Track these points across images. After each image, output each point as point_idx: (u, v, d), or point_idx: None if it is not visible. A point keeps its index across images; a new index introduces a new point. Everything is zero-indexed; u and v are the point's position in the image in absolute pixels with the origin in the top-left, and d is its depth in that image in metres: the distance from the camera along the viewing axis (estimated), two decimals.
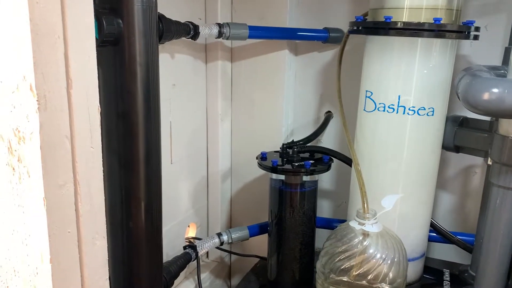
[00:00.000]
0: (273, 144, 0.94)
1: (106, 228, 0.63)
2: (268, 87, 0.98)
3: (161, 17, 0.65)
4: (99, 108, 0.45)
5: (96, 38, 0.55)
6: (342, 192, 1.01)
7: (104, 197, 0.46)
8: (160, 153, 0.65)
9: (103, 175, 0.62)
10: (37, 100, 0.37)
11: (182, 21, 0.74)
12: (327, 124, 0.98)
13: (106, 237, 0.47)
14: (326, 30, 0.92)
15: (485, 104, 0.58)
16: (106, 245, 0.48)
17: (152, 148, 0.63)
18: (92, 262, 0.46)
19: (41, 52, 0.37)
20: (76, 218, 0.43)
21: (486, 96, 0.57)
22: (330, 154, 0.86)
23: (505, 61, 0.75)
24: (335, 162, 0.89)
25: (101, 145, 0.47)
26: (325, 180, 1.03)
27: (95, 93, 0.44)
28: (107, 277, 0.50)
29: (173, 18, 0.71)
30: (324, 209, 1.06)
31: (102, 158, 0.62)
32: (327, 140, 1.01)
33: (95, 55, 0.44)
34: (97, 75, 0.44)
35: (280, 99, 0.98)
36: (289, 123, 1.03)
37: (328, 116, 0.99)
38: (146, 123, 0.61)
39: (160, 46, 0.78)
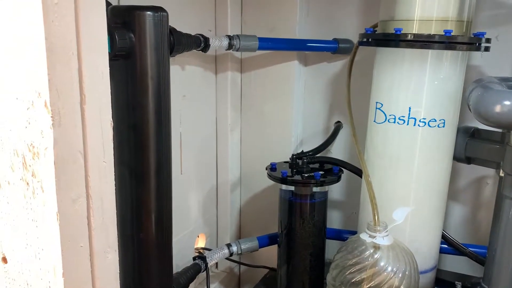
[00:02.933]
0: (283, 155, 0.94)
1: (118, 240, 0.64)
2: (277, 97, 0.99)
3: (172, 30, 0.66)
4: (112, 122, 0.45)
5: (108, 52, 0.56)
6: (351, 202, 1.01)
7: (115, 210, 0.47)
8: (171, 165, 0.65)
9: (115, 187, 0.63)
10: (51, 117, 0.37)
11: (192, 33, 0.75)
12: (336, 134, 0.98)
13: (117, 250, 0.48)
14: (336, 41, 0.93)
15: (497, 116, 0.57)
16: (118, 258, 0.48)
17: (163, 160, 0.63)
18: (104, 275, 0.46)
19: (56, 69, 0.37)
20: (89, 232, 0.43)
21: (498, 108, 0.57)
22: (340, 165, 0.86)
23: None
24: (345, 173, 0.89)
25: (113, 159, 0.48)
26: (334, 191, 1.03)
27: (108, 108, 0.44)
28: None
29: (183, 31, 0.72)
30: (333, 219, 1.05)
31: (114, 170, 0.63)
32: (337, 151, 1.01)
33: (108, 70, 0.44)
34: (110, 89, 0.45)
35: (290, 110, 0.98)
36: (299, 133, 1.03)
37: (338, 126, 0.99)
38: (157, 135, 0.62)
39: (171, 58, 0.79)
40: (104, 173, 0.44)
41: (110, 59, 0.57)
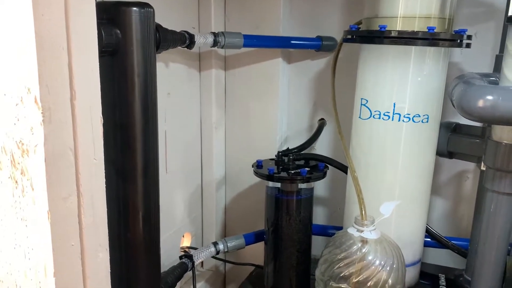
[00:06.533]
0: (268, 152, 0.95)
1: None
2: (262, 95, 0.99)
3: (158, 27, 0.65)
4: (102, 119, 0.44)
5: None
6: (336, 198, 1.02)
7: (106, 209, 0.46)
8: (158, 163, 0.64)
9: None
10: (41, 113, 0.37)
11: (176, 30, 0.74)
12: (320, 131, 0.99)
13: (108, 249, 0.47)
14: (319, 38, 0.93)
15: (479, 111, 0.59)
16: (108, 257, 0.47)
17: (150, 158, 0.63)
18: (95, 274, 0.45)
19: (46, 65, 0.36)
20: (80, 231, 0.43)
21: (480, 103, 0.58)
22: (325, 161, 0.87)
23: (497, 69, 0.77)
24: (330, 169, 0.90)
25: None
26: (319, 187, 1.04)
27: (98, 104, 0.44)
28: None
29: (168, 27, 0.71)
30: (318, 216, 1.06)
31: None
32: (321, 148, 1.02)
33: (98, 65, 0.43)
34: (99, 86, 0.44)
35: (274, 107, 0.99)
36: (283, 130, 1.03)
37: (322, 123, 1.00)
38: (144, 133, 0.61)
39: (156, 55, 0.78)
40: (95, 171, 0.44)
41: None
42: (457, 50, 0.87)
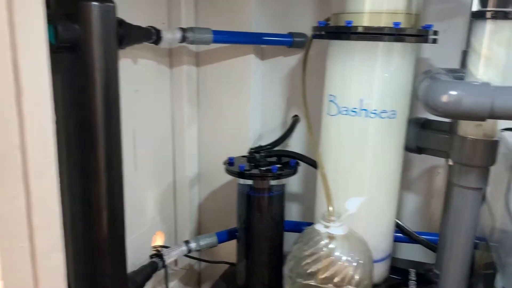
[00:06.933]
0: (241, 149, 0.94)
1: (68, 240, 0.61)
2: (235, 91, 0.98)
3: (121, 22, 0.64)
4: (53, 117, 0.43)
5: (53, 44, 0.54)
6: (310, 195, 1.01)
7: (60, 209, 0.45)
8: (122, 161, 0.63)
9: (64, 185, 0.60)
10: None
11: (145, 26, 0.73)
12: (293, 128, 0.99)
13: (62, 249, 0.46)
14: (291, 34, 0.93)
15: (444, 106, 0.59)
16: (63, 258, 0.46)
17: (113, 156, 0.61)
18: (48, 276, 0.44)
19: None
20: (30, 232, 0.41)
21: (445, 98, 0.59)
22: (297, 157, 0.87)
23: (463, 64, 0.77)
24: (303, 166, 0.89)
25: (57, 155, 0.45)
26: (293, 184, 1.04)
27: (49, 102, 0.42)
28: None
29: (136, 23, 0.70)
30: (293, 212, 1.06)
31: (62, 167, 0.60)
32: (295, 144, 1.02)
33: (48, 61, 0.42)
34: (51, 82, 0.43)
35: (247, 104, 0.98)
36: (257, 128, 1.02)
37: (295, 120, 1.00)
38: (107, 130, 0.60)
39: (122, 51, 0.77)
40: (45, 170, 0.42)
41: (54, 51, 0.55)
42: (427, 46, 0.88)
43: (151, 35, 0.73)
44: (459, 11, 0.86)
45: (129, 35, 0.66)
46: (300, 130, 1.00)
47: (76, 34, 0.55)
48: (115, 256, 0.65)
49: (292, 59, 0.98)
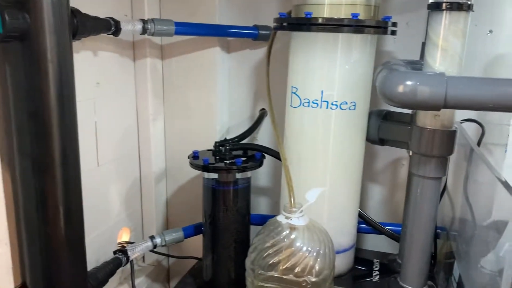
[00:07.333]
0: (209, 143, 0.93)
1: (23, 235, 0.60)
2: (201, 85, 0.97)
3: (75, 12, 0.63)
4: None
5: (0, 33, 0.52)
6: (278, 188, 1.02)
7: (4, 204, 0.43)
8: (78, 155, 0.62)
9: (17, 179, 0.59)
10: None
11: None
12: (261, 121, 0.99)
13: (8, 243, 0.44)
14: (256, 27, 0.92)
15: (399, 96, 0.59)
16: (10, 252, 0.45)
17: (68, 149, 0.60)
18: None
19: None
20: None
21: (400, 88, 0.59)
22: (262, 150, 0.87)
23: (422, 56, 0.78)
24: (272, 159, 0.89)
25: (5, 148, 0.44)
26: (261, 178, 1.04)
27: None
28: (13, 285, 0.47)
29: (98, 15, 0.68)
30: (262, 206, 1.06)
31: (14, 161, 0.59)
32: (263, 137, 1.01)
33: None
34: None
35: (214, 97, 0.97)
36: (224, 121, 1.02)
37: (262, 113, 0.99)
38: (60, 123, 0.58)
39: (81, 43, 0.75)
40: None
41: (1, 40, 0.53)
42: (390, 39, 0.88)
43: (110, 26, 0.71)
44: (422, 4, 0.86)
45: (84, 25, 0.64)
46: (267, 124, 1.00)
47: (26, 23, 0.54)
48: (73, 253, 0.64)
49: (259, 52, 0.98)
